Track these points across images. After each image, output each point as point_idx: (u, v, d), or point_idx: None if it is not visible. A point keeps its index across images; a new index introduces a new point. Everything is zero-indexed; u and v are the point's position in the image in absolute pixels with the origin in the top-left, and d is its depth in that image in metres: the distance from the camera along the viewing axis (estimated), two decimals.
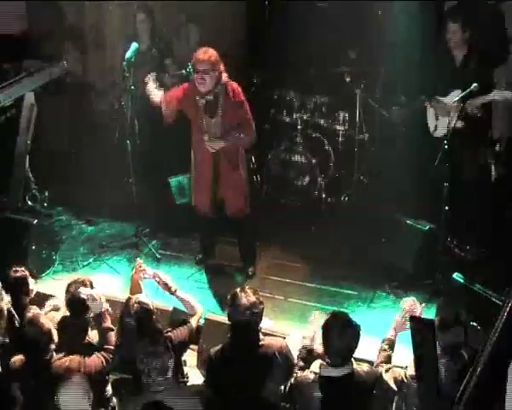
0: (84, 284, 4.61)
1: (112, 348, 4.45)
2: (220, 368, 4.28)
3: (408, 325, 4.26)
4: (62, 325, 4.57)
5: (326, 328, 4.04)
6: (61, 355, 4.30)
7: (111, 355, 4.42)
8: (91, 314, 4.56)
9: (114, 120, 7.64)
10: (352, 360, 4.07)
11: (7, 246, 5.85)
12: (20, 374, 4.27)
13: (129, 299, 4.56)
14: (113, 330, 4.52)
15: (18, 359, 4.32)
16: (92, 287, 4.65)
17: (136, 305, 4.45)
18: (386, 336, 4.49)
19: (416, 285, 5.82)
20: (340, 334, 3.97)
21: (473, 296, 5.05)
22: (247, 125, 5.77)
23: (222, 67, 5.60)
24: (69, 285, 4.61)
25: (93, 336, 4.57)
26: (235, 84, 5.75)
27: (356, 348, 4.03)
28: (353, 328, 4.02)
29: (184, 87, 5.86)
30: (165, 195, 7.17)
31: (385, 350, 4.38)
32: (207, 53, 5.54)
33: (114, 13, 8.44)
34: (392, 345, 4.42)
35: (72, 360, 4.30)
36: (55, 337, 4.30)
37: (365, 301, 5.90)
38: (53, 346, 4.29)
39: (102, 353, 4.41)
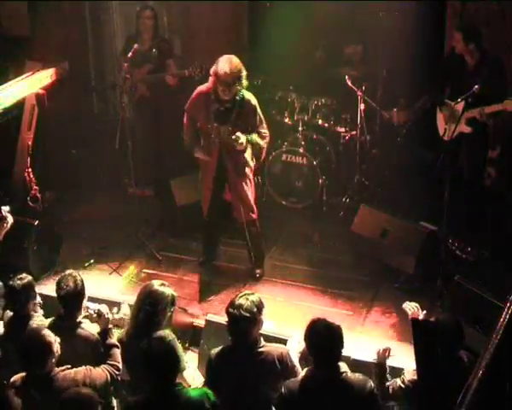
0: (72, 276, 4.61)
1: (117, 364, 4.40)
2: (219, 371, 4.28)
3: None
4: (55, 323, 4.56)
5: (307, 332, 4.06)
6: (63, 367, 4.17)
7: (116, 371, 4.36)
8: (84, 314, 4.58)
9: (115, 120, 7.64)
10: (342, 365, 4.06)
11: (8, 247, 5.83)
12: (22, 388, 4.10)
13: (149, 284, 4.59)
14: (118, 346, 4.48)
15: (19, 377, 4.16)
16: (81, 279, 4.64)
17: (154, 291, 4.48)
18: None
19: (418, 287, 5.82)
20: (321, 339, 3.98)
21: (474, 298, 5.04)
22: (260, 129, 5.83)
23: (244, 77, 5.57)
24: (59, 281, 4.61)
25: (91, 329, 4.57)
26: (252, 100, 5.75)
27: (339, 351, 4.02)
28: (334, 332, 4.01)
29: (197, 93, 5.81)
30: (166, 196, 7.17)
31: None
32: (233, 64, 5.48)
33: (115, 13, 8.46)
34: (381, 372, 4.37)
35: (78, 372, 4.18)
36: (57, 350, 4.13)
37: (366, 302, 5.89)
38: (53, 359, 4.11)
39: (108, 367, 4.35)
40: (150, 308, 4.45)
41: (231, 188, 5.99)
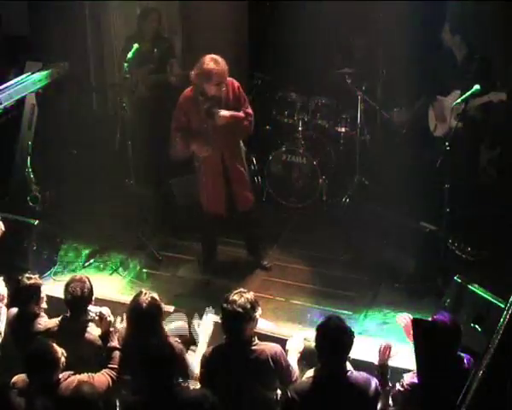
0: (82, 281, 4.60)
1: (118, 368, 4.38)
2: (213, 369, 4.27)
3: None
4: (61, 326, 4.57)
5: (319, 331, 4.04)
6: (66, 375, 4.13)
7: (117, 375, 4.35)
8: (90, 317, 4.57)
9: (115, 120, 7.65)
10: (348, 364, 4.06)
11: (8, 247, 5.84)
12: (25, 393, 4.05)
13: (140, 293, 4.53)
14: (119, 349, 4.47)
15: (21, 379, 4.14)
16: (90, 284, 4.63)
17: (146, 299, 4.43)
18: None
19: (417, 287, 5.82)
20: (333, 337, 3.96)
21: (474, 298, 5.04)
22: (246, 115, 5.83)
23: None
24: (67, 284, 4.60)
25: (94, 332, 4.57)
26: (234, 82, 5.78)
27: (348, 351, 4.01)
28: (346, 333, 4.00)
29: (184, 98, 5.82)
30: (166, 196, 7.17)
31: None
32: (219, 63, 5.52)
33: (115, 13, 8.46)
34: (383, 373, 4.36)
35: (81, 380, 4.13)
36: (63, 363, 4.09)
37: (366, 302, 5.89)
38: (59, 372, 4.07)
39: (109, 371, 4.34)
40: (148, 326, 4.42)
41: (231, 176, 5.97)
